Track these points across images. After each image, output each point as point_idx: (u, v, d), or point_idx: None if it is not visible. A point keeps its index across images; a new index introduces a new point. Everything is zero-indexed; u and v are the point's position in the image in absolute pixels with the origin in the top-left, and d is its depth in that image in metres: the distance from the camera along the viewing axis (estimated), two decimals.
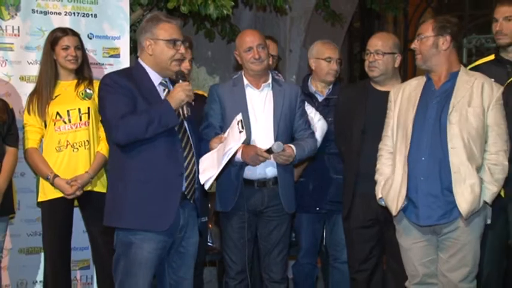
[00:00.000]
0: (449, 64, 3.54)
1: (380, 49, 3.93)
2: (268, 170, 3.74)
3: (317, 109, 4.34)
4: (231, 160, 3.50)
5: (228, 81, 4.01)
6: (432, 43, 3.51)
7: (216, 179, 3.43)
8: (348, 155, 4.07)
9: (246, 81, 3.83)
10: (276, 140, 3.67)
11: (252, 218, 3.77)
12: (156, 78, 3.31)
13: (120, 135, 3.12)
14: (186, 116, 3.26)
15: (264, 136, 3.73)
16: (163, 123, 3.16)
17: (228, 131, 3.55)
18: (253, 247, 3.96)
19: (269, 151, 3.64)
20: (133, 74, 3.29)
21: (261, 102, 3.79)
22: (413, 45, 3.57)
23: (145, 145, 3.16)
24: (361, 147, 3.86)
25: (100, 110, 3.34)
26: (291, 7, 5.55)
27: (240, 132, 3.37)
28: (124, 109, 3.13)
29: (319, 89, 4.42)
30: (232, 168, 3.69)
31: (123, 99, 3.15)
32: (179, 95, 3.21)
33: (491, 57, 4.08)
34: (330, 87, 4.42)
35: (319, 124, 4.16)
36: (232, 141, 3.39)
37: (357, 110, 3.98)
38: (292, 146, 3.73)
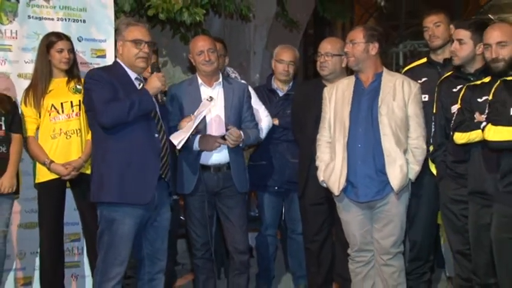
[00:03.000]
0: (376, 66, 3.59)
1: (329, 51, 3.93)
2: (222, 156, 3.69)
3: (277, 103, 4.32)
4: (189, 144, 3.53)
5: (185, 81, 3.97)
6: (363, 49, 3.53)
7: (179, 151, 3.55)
8: (302, 142, 4.06)
9: (200, 81, 3.77)
10: (227, 129, 3.63)
11: (210, 197, 3.72)
12: (131, 74, 3.31)
13: (106, 118, 3.11)
14: (160, 101, 3.31)
15: (217, 126, 3.68)
16: (143, 108, 3.19)
17: (196, 111, 3.58)
18: (217, 226, 3.91)
19: (223, 138, 3.63)
20: (113, 70, 3.29)
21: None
22: (346, 49, 3.57)
23: (126, 129, 3.16)
24: (315, 135, 3.81)
25: (85, 100, 3.30)
26: (255, 15, 5.52)
27: (208, 100, 3.53)
28: (108, 96, 3.13)
29: (280, 86, 4.38)
30: (190, 156, 3.66)
31: (106, 89, 3.15)
32: (156, 83, 3.25)
33: (424, 60, 4.07)
34: (290, 84, 4.38)
35: (266, 119, 4.13)
36: (202, 108, 3.50)
37: (311, 104, 3.95)
38: (240, 131, 3.69)
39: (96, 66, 4.25)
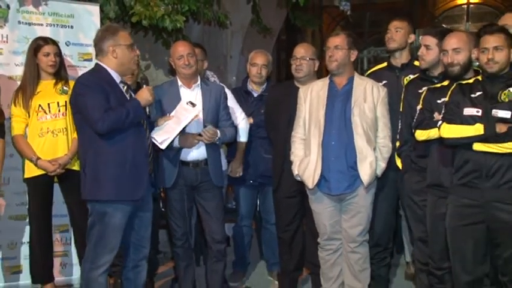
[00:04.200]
0: (351, 71, 3.63)
1: (305, 55, 3.94)
2: (200, 153, 3.68)
3: (252, 103, 4.33)
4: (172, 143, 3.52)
5: (166, 82, 3.94)
6: (346, 55, 3.56)
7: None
8: (276, 140, 4.05)
9: (179, 83, 3.74)
10: (204, 125, 3.63)
11: (189, 190, 3.71)
12: (116, 78, 3.26)
13: (103, 126, 3.06)
14: (149, 113, 3.33)
15: (196, 125, 3.66)
16: (136, 117, 3.18)
17: (173, 113, 3.57)
18: (197, 217, 3.90)
19: (200, 135, 3.61)
20: (100, 74, 3.22)
21: (192, 99, 3.70)
22: (330, 53, 3.57)
23: (120, 134, 3.13)
24: (288, 134, 3.82)
25: (76, 104, 3.18)
26: (231, 22, 5.51)
27: (193, 107, 3.53)
28: (105, 104, 3.09)
29: (255, 88, 4.38)
30: (171, 152, 3.63)
31: (101, 96, 3.10)
32: (148, 96, 3.26)
33: (385, 64, 4.11)
34: (264, 86, 4.38)
35: (243, 122, 4.15)
36: (186, 112, 3.50)
37: (284, 104, 3.96)
38: (216, 129, 3.68)
39: (83, 68, 4.24)
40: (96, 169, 3.13)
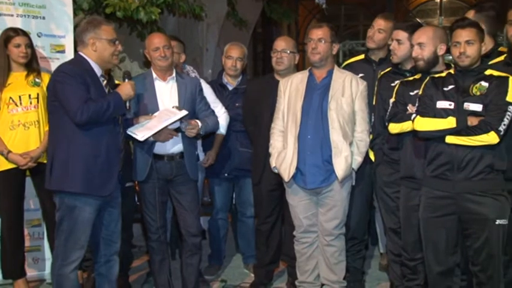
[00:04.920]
0: (332, 64, 3.63)
1: (285, 49, 3.92)
2: (176, 146, 3.64)
3: (227, 96, 4.29)
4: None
5: (140, 75, 3.88)
6: (329, 48, 3.56)
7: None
8: (257, 133, 4.01)
9: (154, 75, 3.69)
10: (181, 121, 3.58)
11: (164, 184, 3.66)
12: (97, 70, 3.19)
13: (82, 116, 2.99)
14: (128, 108, 3.27)
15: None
16: (116, 111, 3.14)
17: (157, 112, 3.53)
18: (173, 211, 3.87)
19: (177, 130, 3.58)
20: (82, 65, 3.14)
21: (167, 92, 3.67)
22: (313, 45, 3.56)
23: (97, 127, 3.07)
24: (270, 127, 3.79)
25: (58, 93, 3.06)
26: (207, 15, 5.47)
27: (179, 109, 3.49)
28: (85, 95, 3.02)
29: (230, 81, 4.35)
30: (144, 146, 3.59)
31: (82, 87, 3.03)
32: (129, 91, 3.22)
33: (362, 56, 4.11)
34: (239, 79, 4.35)
35: (223, 116, 4.11)
36: (171, 114, 3.46)
37: (265, 98, 3.93)
38: (196, 120, 3.65)
39: (55, 60, 4.16)
40: (66, 160, 3.06)
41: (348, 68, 3.97)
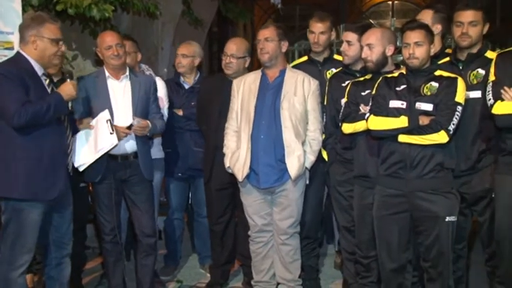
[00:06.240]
0: (283, 63, 3.63)
1: (234, 54, 3.88)
2: (129, 146, 3.57)
3: (183, 95, 4.25)
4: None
5: (92, 73, 3.78)
6: (277, 46, 3.54)
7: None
8: (207, 132, 4.00)
9: (107, 74, 3.61)
10: (133, 118, 3.53)
11: (118, 184, 3.59)
12: (38, 69, 3.06)
13: (20, 119, 2.86)
14: (71, 108, 3.15)
15: (124, 117, 3.54)
16: (57, 112, 3.01)
17: (96, 120, 3.44)
18: (129, 214, 3.80)
19: (129, 127, 3.52)
20: (20, 64, 3.00)
21: (120, 90, 3.60)
22: (261, 45, 3.54)
23: (38, 130, 2.95)
24: (219, 126, 3.77)
25: None
26: (162, 13, 5.38)
27: (111, 134, 3.37)
28: (23, 97, 2.88)
29: (186, 80, 4.30)
30: None
31: (19, 89, 2.89)
32: (71, 91, 3.09)
33: (305, 58, 4.07)
34: (196, 78, 4.30)
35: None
36: (103, 142, 3.38)
37: (215, 97, 3.91)
38: (147, 121, 3.59)
39: (3, 57, 3.96)
40: (8, 165, 2.93)
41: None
